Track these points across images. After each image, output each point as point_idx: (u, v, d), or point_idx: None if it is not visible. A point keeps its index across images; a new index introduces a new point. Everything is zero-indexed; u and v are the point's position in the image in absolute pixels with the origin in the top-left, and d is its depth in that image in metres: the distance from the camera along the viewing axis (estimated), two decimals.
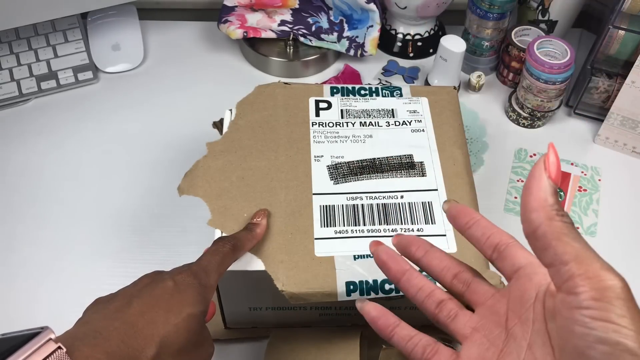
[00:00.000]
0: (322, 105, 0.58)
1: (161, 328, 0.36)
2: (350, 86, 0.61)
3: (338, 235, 0.49)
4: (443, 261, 0.37)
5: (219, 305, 0.53)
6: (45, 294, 0.60)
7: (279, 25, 0.82)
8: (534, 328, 0.31)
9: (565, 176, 0.71)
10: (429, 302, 0.36)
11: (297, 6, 0.84)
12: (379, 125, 0.57)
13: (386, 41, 0.85)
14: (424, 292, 0.37)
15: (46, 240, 0.64)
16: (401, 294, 0.46)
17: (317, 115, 0.57)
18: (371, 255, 0.48)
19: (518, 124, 0.76)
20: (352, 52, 0.81)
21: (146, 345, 0.35)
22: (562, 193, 0.69)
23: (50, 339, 0.31)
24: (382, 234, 0.49)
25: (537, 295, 0.32)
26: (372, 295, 0.46)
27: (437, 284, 0.38)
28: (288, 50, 0.81)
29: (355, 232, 0.49)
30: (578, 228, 0.64)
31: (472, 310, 0.36)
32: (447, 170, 0.54)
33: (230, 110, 0.58)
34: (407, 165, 0.54)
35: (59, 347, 0.31)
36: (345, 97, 0.59)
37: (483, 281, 0.36)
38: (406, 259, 0.38)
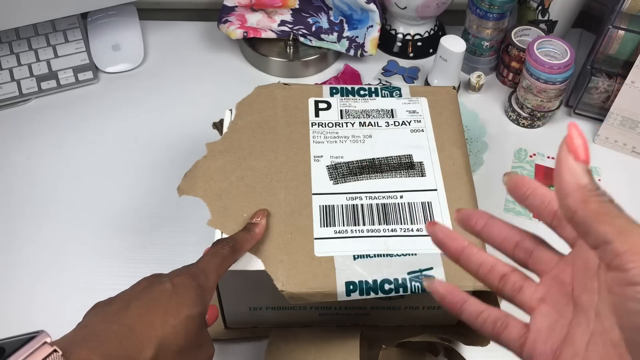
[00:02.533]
0: (322, 105, 0.58)
1: (159, 330, 0.36)
2: (349, 86, 0.61)
3: (338, 235, 0.49)
4: (503, 231, 0.36)
5: (219, 305, 0.53)
6: (45, 294, 0.60)
7: (279, 25, 0.82)
8: (600, 297, 0.30)
9: None
10: (491, 276, 0.35)
11: (297, 6, 0.84)
12: (378, 126, 0.57)
13: (386, 41, 0.85)
14: (485, 267, 0.36)
15: (46, 240, 0.64)
16: (401, 293, 0.46)
17: (317, 115, 0.58)
18: (370, 255, 0.48)
19: (518, 124, 0.77)
20: (352, 52, 0.81)
21: (144, 347, 0.35)
22: None
23: (46, 342, 0.31)
24: (382, 234, 0.49)
25: (600, 263, 0.31)
26: (372, 295, 0.46)
27: (500, 257, 0.36)
28: (288, 50, 0.81)
29: (354, 232, 0.49)
30: None
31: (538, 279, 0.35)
32: (446, 170, 0.54)
33: (230, 110, 0.58)
34: (406, 165, 0.54)
35: (55, 350, 0.31)
36: (345, 97, 0.59)
37: (546, 248, 0.35)
38: (464, 236, 0.37)
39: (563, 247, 0.34)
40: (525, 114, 0.75)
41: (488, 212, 0.37)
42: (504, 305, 0.37)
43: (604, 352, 0.29)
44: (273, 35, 0.80)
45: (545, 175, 0.71)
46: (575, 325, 0.31)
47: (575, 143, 0.29)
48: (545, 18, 0.79)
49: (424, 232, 0.49)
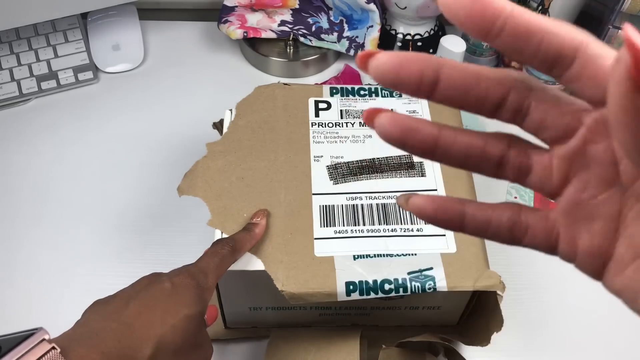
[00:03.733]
0: (322, 105, 0.58)
1: (158, 328, 0.36)
2: (349, 86, 0.61)
3: (338, 235, 0.49)
4: (473, 79, 0.23)
5: (219, 306, 0.53)
6: (45, 294, 0.60)
7: (279, 25, 0.82)
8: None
9: None
10: (485, 166, 0.24)
11: (297, 6, 0.84)
12: None
13: (386, 41, 0.85)
14: (474, 153, 0.24)
15: (46, 240, 0.64)
16: (401, 293, 0.46)
17: (317, 115, 0.58)
18: (370, 255, 0.48)
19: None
20: (352, 52, 0.81)
21: (143, 345, 0.35)
22: None
23: (44, 339, 0.31)
24: (382, 234, 0.49)
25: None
26: (372, 295, 0.46)
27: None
28: (288, 50, 0.81)
29: (354, 232, 0.49)
30: None
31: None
32: (446, 170, 0.54)
33: (230, 110, 0.58)
34: (406, 165, 0.54)
35: (53, 348, 0.31)
36: (345, 97, 0.59)
37: (551, 99, 0.23)
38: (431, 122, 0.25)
39: None
40: None
41: (439, 58, 0.23)
42: None
43: None
44: (273, 35, 0.80)
45: None
46: (628, 219, 0.22)
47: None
48: None
49: (424, 232, 0.50)
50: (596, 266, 0.23)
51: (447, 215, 0.25)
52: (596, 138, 0.22)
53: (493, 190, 0.69)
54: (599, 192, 0.22)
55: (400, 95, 0.60)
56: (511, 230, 0.24)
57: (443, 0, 0.20)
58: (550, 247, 0.24)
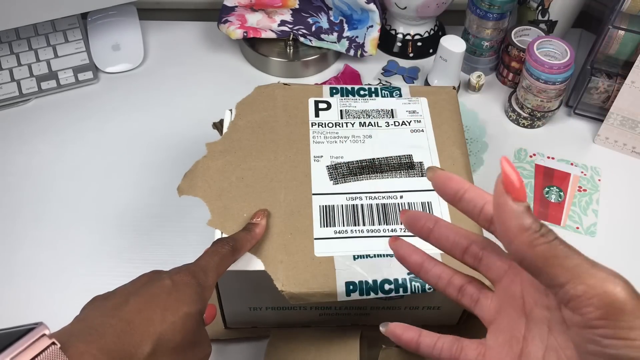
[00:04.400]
0: (322, 105, 0.58)
1: (157, 326, 0.36)
2: (349, 87, 0.61)
3: (338, 235, 0.49)
4: (451, 236, 0.35)
5: (219, 306, 0.53)
6: (45, 293, 0.60)
7: (279, 25, 0.82)
8: (552, 315, 0.30)
9: (565, 176, 0.71)
10: (450, 289, 0.35)
11: (297, 6, 0.84)
12: (378, 126, 0.57)
13: (386, 41, 0.85)
14: (443, 279, 0.36)
15: (46, 240, 0.64)
16: (401, 293, 0.46)
17: (317, 115, 0.58)
18: (370, 255, 0.48)
19: (518, 124, 0.77)
20: (352, 52, 0.81)
21: (142, 342, 0.35)
22: (562, 193, 0.69)
23: (45, 334, 0.31)
24: (382, 234, 0.49)
25: None
26: (372, 295, 0.46)
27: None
28: (288, 50, 0.81)
29: (354, 232, 0.49)
30: (577, 228, 0.65)
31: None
32: (446, 170, 0.54)
33: (230, 110, 0.58)
34: (406, 166, 0.54)
35: (53, 343, 0.31)
36: (345, 97, 0.59)
37: (495, 254, 0.34)
38: (423, 251, 0.37)
39: None
40: (525, 114, 0.75)
41: (435, 216, 0.36)
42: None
43: None
44: (273, 35, 0.80)
45: (545, 175, 0.71)
46: (529, 340, 0.31)
47: (511, 179, 0.27)
48: (545, 18, 0.79)
49: None
50: None
51: (404, 341, 0.36)
52: (514, 279, 0.32)
53: (492, 192, 0.69)
54: (514, 321, 0.32)
55: (400, 96, 0.60)
56: (450, 349, 0.35)
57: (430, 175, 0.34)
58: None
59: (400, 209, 0.51)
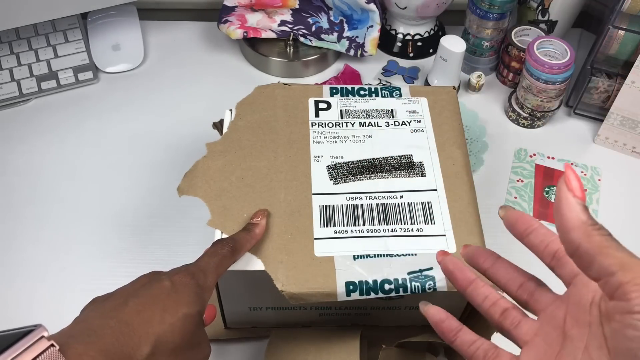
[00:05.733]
0: (322, 105, 0.58)
1: (156, 327, 0.36)
2: (349, 87, 0.61)
3: (338, 235, 0.49)
4: (509, 272, 0.39)
5: (219, 306, 0.53)
6: (45, 294, 0.60)
7: (279, 25, 0.82)
8: (591, 331, 0.32)
9: None
10: (493, 310, 0.38)
11: (297, 6, 0.84)
12: (378, 126, 0.57)
13: (386, 41, 0.85)
14: (490, 300, 0.38)
15: (46, 240, 0.64)
16: (401, 293, 0.46)
17: (317, 115, 0.58)
18: (370, 255, 0.48)
19: (518, 124, 0.77)
20: (352, 52, 0.81)
21: (141, 343, 0.35)
22: None
23: (43, 336, 0.31)
24: (382, 234, 0.49)
25: (594, 299, 0.33)
26: (372, 295, 0.46)
27: (501, 292, 0.39)
28: (288, 50, 0.81)
29: (354, 232, 0.49)
30: None
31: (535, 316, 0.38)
32: (446, 170, 0.54)
33: (230, 110, 0.58)
34: (406, 166, 0.54)
35: (52, 345, 0.31)
36: (345, 97, 0.59)
37: (545, 289, 0.38)
38: (471, 270, 0.40)
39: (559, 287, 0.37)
40: (525, 114, 0.75)
41: (495, 252, 0.40)
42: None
43: None
44: (273, 35, 0.80)
45: (545, 175, 0.71)
46: (562, 356, 0.33)
47: (573, 185, 0.31)
48: (545, 18, 0.79)
49: (424, 233, 0.50)
50: None
51: (450, 324, 0.39)
52: (560, 305, 0.36)
53: (492, 191, 0.69)
54: (552, 340, 0.35)
55: (400, 95, 0.60)
56: (485, 353, 0.37)
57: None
58: None
59: (400, 209, 0.51)
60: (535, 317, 0.37)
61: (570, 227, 0.30)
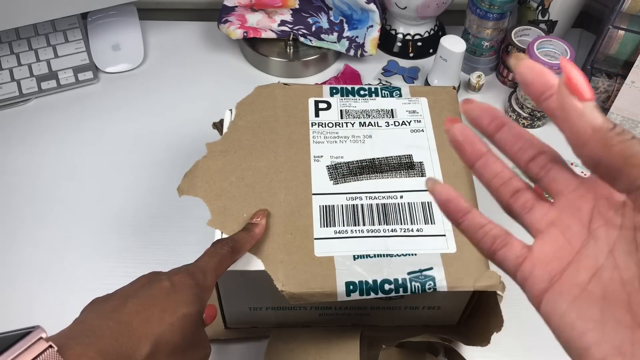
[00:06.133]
0: (322, 105, 0.58)
1: (156, 327, 0.36)
2: (349, 87, 0.61)
3: (338, 235, 0.49)
4: (520, 140, 0.32)
5: (219, 306, 0.53)
6: (45, 294, 0.60)
7: (279, 25, 0.82)
8: (621, 234, 0.28)
9: None
10: (504, 190, 0.32)
11: (297, 6, 0.84)
12: (378, 126, 0.57)
13: (386, 41, 0.85)
14: (500, 179, 0.32)
15: (46, 240, 0.64)
16: (401, 293, 0.46)
17: (317, 115, 0.58)
18: (370, 255, 0.48)
19: (518, 124, 0.76)
20: (352, 52, 0.81)
21: (140, 343, 0.35)
22: None
23: (42, 337, 0.31)
24: (382, 234, 0.49)
25: (627, 202, 0.28)
26: (372, 295, 0.46)
27: (518, 172, 0.33)
28: (288, 50, 0.81)
29: (354, 232, 0.49)
30: None
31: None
32: (446, 170, 0.54)
33: (231, 110, 0.58)
34: (406, 166, 0.54)
35: (50, 346, 0.31)
36: (345, 97, 0.59)
37: (564, 167, 0.31)
38: (483, 142, 0.33)
39: None
40: (525, 114, 0.75)
41: (505, 116, 0.33)
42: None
43: (608, 288, 0.27)
44: (273, 35, 0.80)
45: None
46: (583, 256, 0.28)
47: (576, 81, 0.25)
48: (545, 18, 0.79)
49: (424, 233, 0.50)
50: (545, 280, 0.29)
51: (457, 205, 0.33)
52: (585, 195, 0.29)
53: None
54: (572, 235, 0.29)
55: (400, 95, 0.60)
56: (494, 239, 0.31)
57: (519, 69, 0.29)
58: (514, 269, 0.31)
59: (400, 209, 0.51)
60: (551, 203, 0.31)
61: (584, 139, 0.25)
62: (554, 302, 0.29)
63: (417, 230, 0.50)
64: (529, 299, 0.31)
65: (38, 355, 0.31)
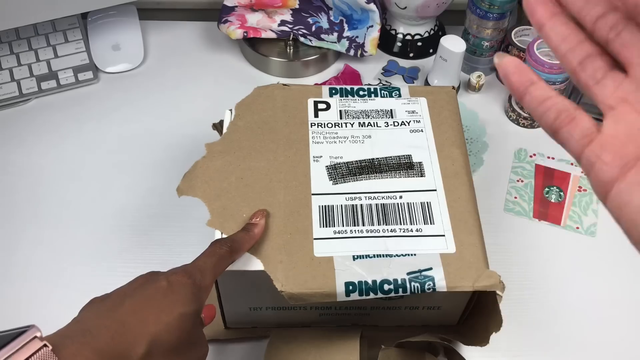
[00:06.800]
0: (321, 106, 0.58)
1: (152, 326, 0.36)
2: (348, 87, 0.61)
3: (337, 235, 0.49)
4: None
5: (219, 306, 0.53)
6: (45, 294, 0.60)
7: (279, 25, 0.82)
8: None
9: (565, 176, 0.71)
10: (571, 55, 0.28)
11: (297, 6, 0.84)
12: (377, 126, 0.57)
13: (386, 41, 0.85)
14: (569, 42, 0.28)
15: (46, 240, 0.64)
16: (400, 294, 0.46)
17: (316, 116, 0.58)
18: (370, 255, 0.48)
19: (518, 124, 0.76)
20: (352, 52, 0.81)
21: (136, 343, 0.35)
22: (562, 193, 0.69)
23: (36, 337, 0.31)
24: (381, 234, 0.49)
25: None
26: (372, 295, 0.46)
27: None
28: (288, 50, 0.81)
29: (354, 232, 0.49)
30: (577, 228, 0.65)
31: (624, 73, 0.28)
32: (446, 170, 0.54)
33: (230, 110, 0.58)
34: (405, 166, 0.54)
35: (45, 345, 0.31)
36: (344, 97, 0.59)
37: (638, 30, 0.26)
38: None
39: None
40: (525, 114, 0.75)
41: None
42: None
43: None
44: (273, 35, 0.80)
45: (545, 175, 0.71)
46: None
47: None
48: None
49: (424, 233, 0.50)
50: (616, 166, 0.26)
51: (521, 77, 0.29)
52: None
53: (492, 192, 0.69)
54: None
55: (400, 96, 0.60)
56: (559, 113, 0.28)
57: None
58: (579, 150, 0.27)
59: (400, 209, 0.51)
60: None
61: None
62: (628, 194, 0.25)
63: (417, 230, 0.50)
64: (593, 187, 0.27)
65: (32, 355, 0.31)
